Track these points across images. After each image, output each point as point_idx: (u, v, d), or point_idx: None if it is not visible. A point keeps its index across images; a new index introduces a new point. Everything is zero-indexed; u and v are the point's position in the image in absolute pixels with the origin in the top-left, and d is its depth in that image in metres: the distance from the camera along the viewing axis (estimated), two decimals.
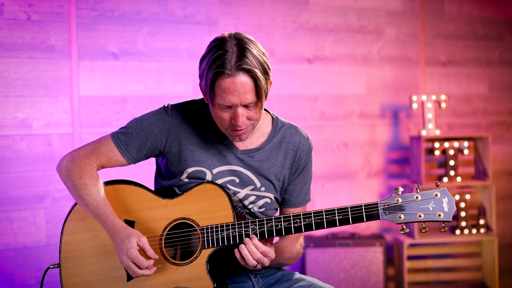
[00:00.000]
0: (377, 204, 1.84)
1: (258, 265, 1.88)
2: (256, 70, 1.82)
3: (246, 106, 1.86)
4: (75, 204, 2.02)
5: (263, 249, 1.87)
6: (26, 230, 3.20)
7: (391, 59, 4.14)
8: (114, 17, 3.38)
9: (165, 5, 3.51)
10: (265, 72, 1.85)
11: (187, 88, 3.54)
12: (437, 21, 4.27)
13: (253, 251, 1.86)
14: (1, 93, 3.14)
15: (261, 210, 2.06)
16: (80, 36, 3.30)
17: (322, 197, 3.93)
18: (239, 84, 1.81)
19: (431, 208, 1.83)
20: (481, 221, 3.89)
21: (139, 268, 1.83)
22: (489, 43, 4.43)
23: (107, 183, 2.02)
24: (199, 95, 2.08)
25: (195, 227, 1.93)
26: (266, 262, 1.89)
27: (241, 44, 1.83)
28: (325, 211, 1.87)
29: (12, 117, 3.16)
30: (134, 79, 3.45)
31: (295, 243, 2.10)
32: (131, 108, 3.43)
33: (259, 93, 1.84)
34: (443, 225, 1.85)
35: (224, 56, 1.80)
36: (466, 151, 3.90)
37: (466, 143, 3.90)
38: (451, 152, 3.89)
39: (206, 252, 1.91)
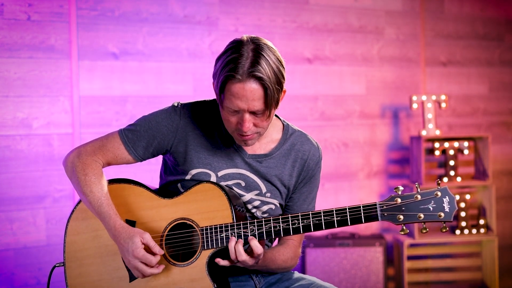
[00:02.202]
0: (375, 205, 1.82)
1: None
2: (268, 79, 1.79)
3: (253, 113, 1.84)
4: (78, 203, 2.03)
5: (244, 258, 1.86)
6: (26, 230, 3.20)
7: (391, 59, 4.13)
8: (114, 17, 3.38)
9: (165, 5, 3.51)
10: (278, 82, 1.82)
11: (187, 88, 3.54)
12: (437, 21, 4.27)
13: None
14: (1, 93, 3.14)
15: (265, 216, 2.05)
16: (80, 36, 3.30)
17: (322, 197, 3.93)
18: (248, 91, 1.79)
19: (431, 208, 1.79)
20: (481, 221, 3.89)
21: (148, 266, 1.83)
22: (489, 43, 4.43)
23: (108, 182, 2.02)
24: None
25: (195, 228, 1.93)
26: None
27: (257, 49, 1.80)
28: (324, 212, 1.85)
29: (12, 117, 3.16)
30: (134, 79, 3.45)
31: (293, 258, 2.09)
32: (131, 108, 3.43)
33: (268, 102, 1.81)
34: (444, 225, 1.81)
35: (238, 60, 1.78)
36: (466, 151, 3.90)
37: (466, 143, 3.90)
38: (451, 152, 3.89)
39: (206, 253, 1.90)
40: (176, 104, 2.02)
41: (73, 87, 3.29)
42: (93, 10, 3.33)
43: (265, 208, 2.05)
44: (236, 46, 1.82)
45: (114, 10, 3.39)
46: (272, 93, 1.80)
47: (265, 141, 2.03)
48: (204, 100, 2.06)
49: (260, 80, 1.78)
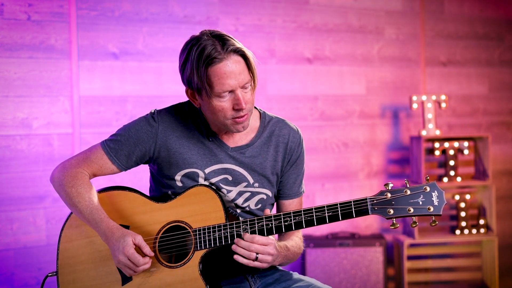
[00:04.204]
0: (366, 199, 1.84)
1: (260, 258, 1.87)
2: (244, 48, 1.87)
3: (243, 88, 1.89)
4: (72, 212, 2.04)
5: (262, 241, 1.86)
6: (26, 230, 3.21)
7: (391, 59, 4.13)
8: (114, 17, 3.39)
9: (165, 5, 3.52)
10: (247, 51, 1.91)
11: None
12: (437, 21, 4.27)
13: (247, 245, 1.87)
14: (1, 93, 3.15)
15: (258, 207, 2.07)
16: (80, 36, 3.31)
17: (322, 197, 3.93)
18: (233, 65, 1.85)
19: (420, 202, 1.81)
20: (481, 221, 3.89)
21: (136, 265, 1.85)
22: (489, 43, 4.42)
23: (101, 191, 2.04)
24: None
25: (188, 230, 1.94)
26: (268, 256, 1.88)
27: (215, 34, 1.88)
28: (315, 209, 1.87)
29: (12, 117, 3.17)
30: (134, 79, 3.45)
31: (294, 236, 2.10)
32: (131, 108, 3.43)
33: (251, 70, 1.89)
34: (433, 219, 1.83)
35: (208, 47, 1.84)
36: (466, 151, 3.90)
37: (466, 143, 3.90)
38: (451, 152, 3.88)
39: (199, 254, 1.91)
40: (153, 111, 2.06)
41: (73, 87, 3.30)
42: (93, 10, 3.34)
43: (256, 198, 2.06)
44: (195, 42, 1.88)
45: (114, 10, 3.39)
46: (252, 61, 1.89)
47: (245, 131, 2.05)
48: (179, 103, 2.10)
49: (238, 51, 1.86)
